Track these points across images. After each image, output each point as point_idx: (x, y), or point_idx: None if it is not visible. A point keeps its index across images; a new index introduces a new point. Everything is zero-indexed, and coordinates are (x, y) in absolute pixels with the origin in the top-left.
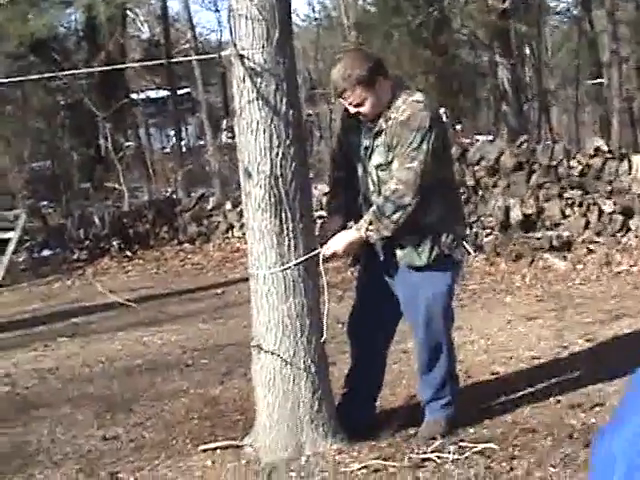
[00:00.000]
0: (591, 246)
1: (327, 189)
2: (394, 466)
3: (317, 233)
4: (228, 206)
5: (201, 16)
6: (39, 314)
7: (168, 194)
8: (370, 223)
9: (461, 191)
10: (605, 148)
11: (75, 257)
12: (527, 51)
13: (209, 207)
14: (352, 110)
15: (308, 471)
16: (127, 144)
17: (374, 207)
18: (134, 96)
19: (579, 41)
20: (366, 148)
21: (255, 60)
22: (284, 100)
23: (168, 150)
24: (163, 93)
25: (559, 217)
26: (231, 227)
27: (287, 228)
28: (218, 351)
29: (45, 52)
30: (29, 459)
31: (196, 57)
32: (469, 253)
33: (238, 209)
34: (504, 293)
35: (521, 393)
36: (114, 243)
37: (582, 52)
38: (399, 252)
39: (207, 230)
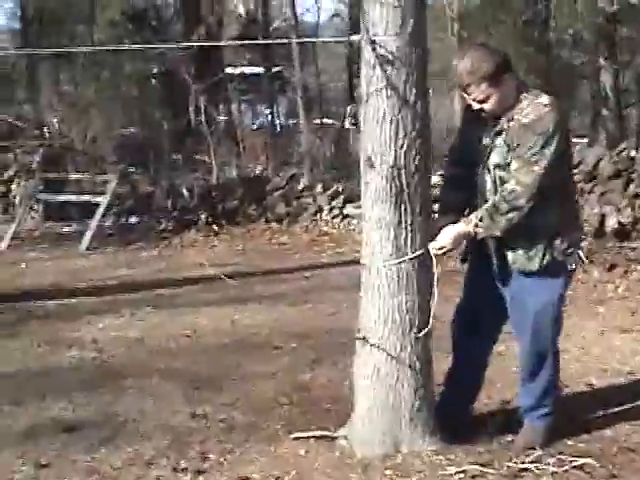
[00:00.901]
0: None
1: (441, 184)
2: (492, 474)
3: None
4: (319, 189)
5: None
6: (125, 281)
7: (258, 172)
8: (481, 219)
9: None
10: None
11: (162, 227)
12: (630, 56)
13: (299, 188)
14: (475, 106)
15: (404, 470)
16: (220, 118)
17: (488, 204)
18: (228, 70)
19: None
20: (486, 146)
21: (387, 47)
22: (413, 90)
23: (257, 127)
24: (256, 69)
25: None
26: (320, 210)
27: (405, 221)
28: (306, 336)
29: (143, 21)
30: (117, 429)
31: (323, 39)
32: (583, 262)
33: (328, 192)
34: (597, 302)
35: (618, 409)
36: (202, 216)
37: None
38: (511, 255)
39: (295, 211)
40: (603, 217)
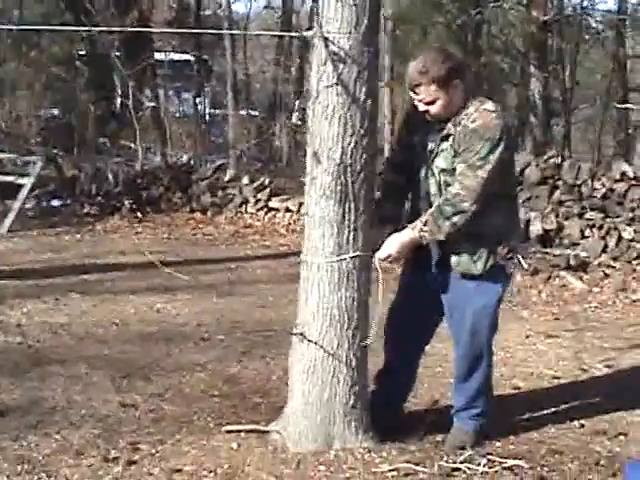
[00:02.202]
0: (607, 270)
1: (380, 191)
2: (424, 472)
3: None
4: (245, 180)
5: None
6: (50, 265)
7: (183, 160)
8: (425, 224)
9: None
10: (631, 174)
11: (85, 211)
12: (559, 66)
13: (225, 179)
14: (421, 108)
15: (337, 466)
16: (147, 104)
17: (432, 208)
18: (157, 56)
19: (612, 63)
20: (430, 151)
21: (340, 45)
22: (363, 89)
23: (183, 115)
24: (185, 56)
25: (578, 237)
26: (245, 202)
27: (349, 219)
28: (234, 329)
29: (75, 2)
30: (45, 416)
31: (276, 33)
32: (522, 266)
33: (254, 185)
34: (520, 307)
35: (544, 412)
36: (126, 202)
37: (612, 74)
38: (454, 259)
39: (220, 202)
40: (528, 223)
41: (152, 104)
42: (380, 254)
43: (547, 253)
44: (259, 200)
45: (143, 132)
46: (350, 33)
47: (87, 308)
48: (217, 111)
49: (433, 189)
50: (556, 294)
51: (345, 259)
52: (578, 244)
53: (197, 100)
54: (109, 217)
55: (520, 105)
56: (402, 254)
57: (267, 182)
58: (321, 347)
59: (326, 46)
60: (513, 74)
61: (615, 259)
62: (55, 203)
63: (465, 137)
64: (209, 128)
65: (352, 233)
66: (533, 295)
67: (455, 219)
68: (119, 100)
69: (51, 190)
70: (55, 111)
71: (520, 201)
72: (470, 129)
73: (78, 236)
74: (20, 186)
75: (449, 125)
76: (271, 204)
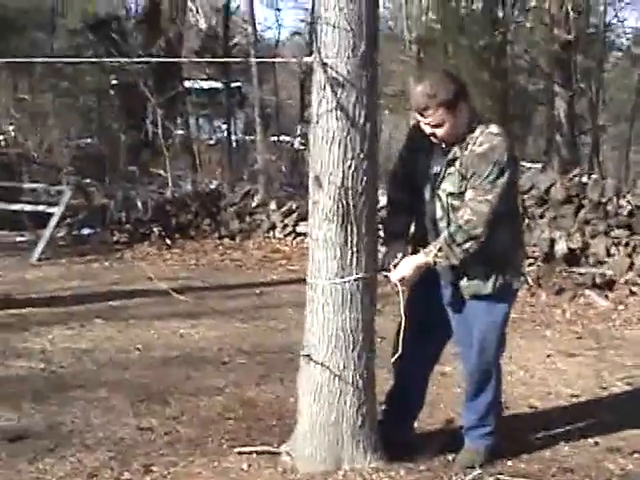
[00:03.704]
0: (634, 288)
1: (386, 210)
2: None
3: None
4: (273, 206)
5: (258, 12)
6: (77, 293)
7: (213, 186)
8: (440, 250)
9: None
10: None
11: (115, 239)
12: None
13: (253, 204)
14: (428, 130)
15: None
16: (177, 132)
17: (445, 234)
18: (187, 84)
19: (638, 80)
20: (436, 174)
21: (338, 70)
22: (362, 113)
23: (213, 142)
24: (214, 84)
25: (604, 255)
26: (273, 227)
27: (351, 241)
28: (255, 353)
29: (104, 32)
30: (62, 440)
31: (278, 60)
32: (527, 282)
33: (282, 210)
34: (544, 326)
35: (559, 430)
36: (155, 229)
37: (639, 91)
38: (464, 282)
39: (249, 227)
40: (553, 242)
41: (182, 132)
42: (394, 276)
43: (572, 272)
44: (286, 225)
45: (173, 160)
46: (348, 58)
47: (111, 334)
48: (247, 137)
49: (439, 212)
50: (580, 313)
51: (349, 281)
52: (604, 262)
53: (226, 127)
54: (139, 244)
55: (546, 124)
56: (415, 277)
57: (294, 207)
58: (327, 369)
59: (325, 71)
60: (538, 93)
61: None
62: (85, 231)
63: (473, 161)
64: (239, 154)
65: (355, 255)
66: (557, 314)
67: (468, 245)
68: (150, 128)
69: (82, 219)
70: (88, 140)
71: (544, 220)
72: (477, 153)
73: (106, 264)
74: (50, 215)
75: (455, 149)
76: (298, 229)
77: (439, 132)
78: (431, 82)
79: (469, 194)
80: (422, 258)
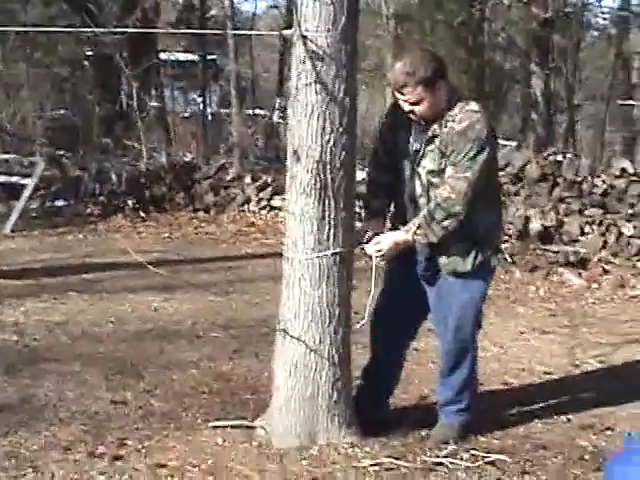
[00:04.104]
0: (606, 266)
1: (365, 188)
2: (406, 467)
3: (357, 230)
4: (247, 179)
5: None
6: (50, 265)
7: (187, 159)
8: (419, 227)
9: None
10: (631, 170)
11: (88, 211)
12: (561, 63)
13: (228, 178)
14: (406, 108)
15: (320, 461)
16: (151, 104)
17: (424, 212)
18: (162, 56)
19: (614, 60)
20: (416, 151)
21: (318, 43)
22: (342, 87)
23: (188, 115)
24: (190, 56)
25: (577, 233)
26: (248, 201)
27: (329, 215)
28: (229, 326)
29: (79, 2)
30: (36, 413)
31: (256, 32)
32: (506, 260)
33: (257, 183)
34: (517, 303)
35: (532, 407)
36: (129, 202)
37: (615, 71)
38: (443, 259)
39: (223, 201)
40: (527, 219)
41: (156, 104)
42: (371, 249)
43: (546, 250)
44: (261, 199)
45: (148, 132)
46: (328, 31)
47: (85, 307)
48: (222, 110)
49: (419, 189)
50: (554, 291)
51: (326, 255)
52: (578, 241)
53: (201, 100)
54: (112, 217)
55: (522, 102)
56: (392, 253)
57: (269, 181)
58: (303, 343)
59: (304, 44)
60: (515, 71)
61: (615, 255)
62: (59, 203)
63: (452, 139)
64: (214, 127)
65: (332, 230)
66: (531, 292)
67: (447, 222)
68: (124, 100)
69: (55, 191)
70: (61, 111)
71: (519, 197)
72: (457, 131)
73: (80, 236)
74: (23, 186)
75: (435, 126)
76: (273, 203)
77: (418, 109)
78: (410, 60)
79: (448, 171)
80: (401, 235)
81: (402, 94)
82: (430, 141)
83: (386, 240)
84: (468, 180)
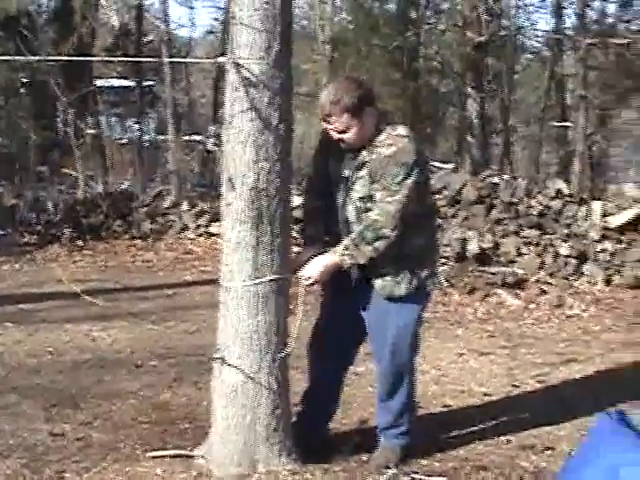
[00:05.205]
0: (544, 287)
1: (301, 216)
2: None
3: (293, 258)
4: (185, 206)
5: (172, 10)
6: None
7: (124, 187)
8: (346, 248)
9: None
10: (566, 191)
11: (25, 240)
12: (496, 86)
13: (165, 205)
14: (335, 136)
15: None
16: (88, 131)
17: (354, 234)
18: (98, 83)
19: (548, 82)
20: (347, 178)
21: (252, 70)
22: (276, 114)
23: (125, 142)
24: (126, 82)
25: (514, 254)
26: (186, 228)
27: (264, 242)
28: (168, 355)
29: (14, 28)
30: None
31: (191, 60)
32: (441, 284)
33: (194, 210)
34: (456, 325)
35: (472, 429)
36: (66, 231)
37: (549, 93)
38: (379, 283)
39: (161, 228)
40: (465, 241)
41: (93, 131)
42: (303, 275)
43: (484, 271)
44: (199, 226)
45: (84, 159)
46: (262, 59)
47: (21, 337)
48: (159, 137)
49: (352, 216)
50: (492, 312)
51: (262, 283)
52: (515, 262)
53: (139, 127)
54: (49, 246)
55: (458, 125)
56: (323, 277)
57: (207, 208)
58: (241, 371)
59: (238, 72)
60: (450, 94)
61: (552, 275)
62: None
63: (381, 164)
64: (152, 154)
65: (268, 257)
66: (469, 313)
67: (376, 244)
68: (60, 127)
69: None
70: None
71: (456, 220)
72: (384, 155)
73: (17, 266)
74: None
75: (364, 153)
76: (211, 229)
77: (346, 137)
78: (335, 88)
79: (378, 195)
80: (329, 257)
81: (329, 123)
82: (360, 167)
83: (315, 265)
84: (397, 203)
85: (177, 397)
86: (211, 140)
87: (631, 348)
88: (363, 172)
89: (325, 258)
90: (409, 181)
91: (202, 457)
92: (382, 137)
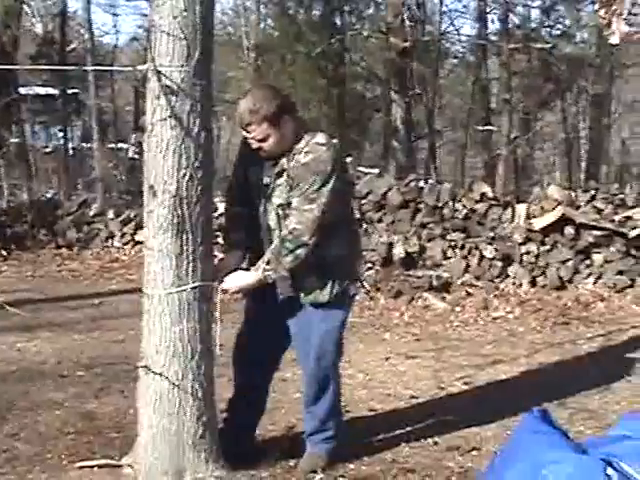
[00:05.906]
0: (470, 289)
1: (224, 222)
2: None
3: (215, 265)
4: (110, 215)
5: (95, 17)
6: None
7: (49, 195)
8: (268, 262)
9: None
10: (490, 194)
11: None
12: (421, 91)
13: (91, 213)
14: (254, 145)
15: None
16: (12, 140)
17: (272, 246)
18: (22, 91)
19: (472, 86)
20: (267, 186)
21: (172, 78)
22: (197, 121)
23: (50, 150)
24: (50, 90)
25: (440, 258)
26: (112, 236)
27: (187, 250)
28: (94, 364)
29: None
30: None
31: (112, 68)
32: (364, 288)
33: (120, 218)
34: (382, 329)
35: (399, 432)
36: None
37: (474, 97)
38: (302, 290)
39: (86, 237)
40: (390, 246)
41: (17, 139)
42: (223, 287)
43: (410, 275)
44: (125, 234)
45: (8, 168)
46: (182, 66)
47: None
48: (84, 145)
49: (272, 223)
50: (418, 315)
51: (185, 290)
52: (441, 265)
53: (62, 135)
54: None
55: (383, 130)
56: (244, 292)
57: (133, 215)
58: (166, 379)
59: (159, 80)
60: (375, 100)
61: (478, 278)
62: None
63: (298, 171)
64: (77, 162)
65: (191, 264)
66: (395, 317)
67: (297, 252)
68: None
69: None
70: None
71: (382, 224)
72: (302, 163)
73: None
74: None
75: (283, 160)
76: (137, 237)
77: (265, 146)
78: (253, 97)
79: (294, 203)
80: (252, 276)
81: (248, 132)
82: (279, 175)
83: (235, 280)
84: (314, 211)
85: (104, 406)
86: (132, 148)
87: (556, 349)
88: (282, 180)
89: (248, 275)
90: (326, 189)
91: (129, 466)
92: (301, 145)
